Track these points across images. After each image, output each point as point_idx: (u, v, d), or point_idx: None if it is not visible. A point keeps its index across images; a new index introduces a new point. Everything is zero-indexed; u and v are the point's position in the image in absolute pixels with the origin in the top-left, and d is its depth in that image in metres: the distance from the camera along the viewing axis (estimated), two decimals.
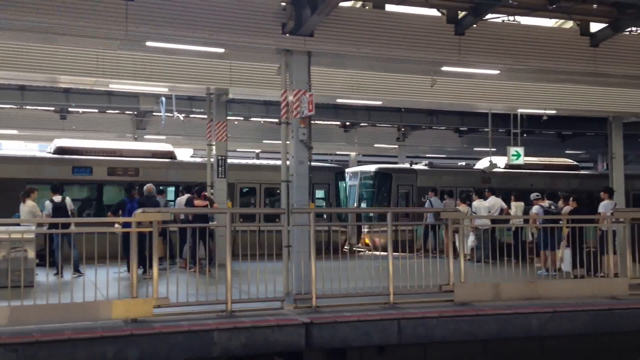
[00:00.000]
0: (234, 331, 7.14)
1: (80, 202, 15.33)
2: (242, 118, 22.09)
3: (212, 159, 14.70)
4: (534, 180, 19.54)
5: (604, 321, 8.68)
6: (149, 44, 10.48)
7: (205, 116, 16.03)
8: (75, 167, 15.09)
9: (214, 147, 14.75)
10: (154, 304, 7.39)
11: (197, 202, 12.31)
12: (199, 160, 17.39)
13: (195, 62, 13.18)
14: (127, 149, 16.36)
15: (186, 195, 13.11)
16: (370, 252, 12.14)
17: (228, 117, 15.41)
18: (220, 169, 14.37)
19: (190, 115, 21.07)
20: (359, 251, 15.49)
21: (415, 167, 19.75)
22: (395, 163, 25.61)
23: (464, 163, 22.04)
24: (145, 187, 12.47)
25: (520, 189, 16.76)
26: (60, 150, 15.67)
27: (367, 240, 15.34)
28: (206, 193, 13.22)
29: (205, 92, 14.83)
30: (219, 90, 14.37)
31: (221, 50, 11.03)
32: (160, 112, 17.81)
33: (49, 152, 16.11)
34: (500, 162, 20.37)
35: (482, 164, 21.41)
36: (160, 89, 14.88)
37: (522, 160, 18.64)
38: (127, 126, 22.92)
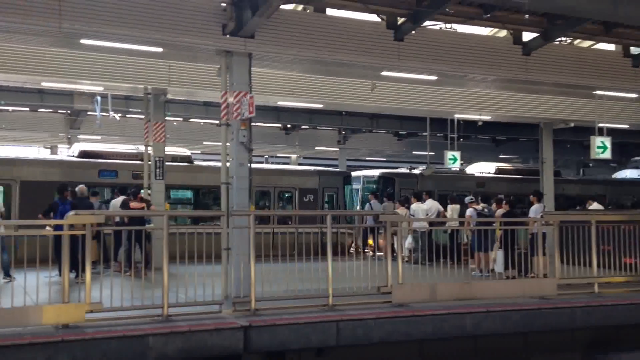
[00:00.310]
0: (170, 336, 7.02)
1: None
2: (181, 119, 21.74)
3: (149, 161, 14.40)
4: (521, 185, 20.53)
5: (534, 320, 9.00)
6: (83, 41, 10.19)
7: (142, 116, 15.69)
8: (102, 170, 15.65)
9: (151, 148, 14.45)
10: (86, 309, 7.17)
11: (132, 204, 12.02)
12: (212, 164, 17.65)
13: (132, 61, 12.87)
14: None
15: (121, 197, 12.79)
16: (373, 254, 12.42)
17: (166, 118, 15.13)
18: (158, 170, 14.10)
19: (127, 115, 20.57)
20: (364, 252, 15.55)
21: (415, 172, 20.42)
22: (336, 166, 25.93)
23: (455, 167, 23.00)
24: (77, 188, 12.06)
25: (511, 193, 18.02)
26: (84, 154, 16.22)
27: (371, 242, 15.44)
28: (142, 195, 12.93)
29: (142, 92, 14.51)
30: (157, 90, 14.10)
31: (160, 49, 10.85)
32: (95, 111, 17.31)
33: (72, 156, 16.62)
34: (491, 167, 22.11)
35: (472, 169, 22.89)
36: (96, 87, 14.45)
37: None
38: (60, 126, 22.16)
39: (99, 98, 16.82)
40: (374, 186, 20.05)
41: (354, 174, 20.75)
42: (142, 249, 8.91)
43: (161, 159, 14.18)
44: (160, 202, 13.86)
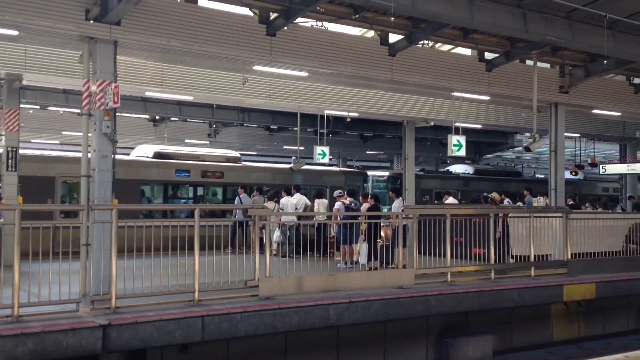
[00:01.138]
0: (20, 337, 6.59)
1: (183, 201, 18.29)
2: (38, 107, 20.33)
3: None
4: (499, 184, 23.94)
5: (392, 309, 9.47)
6: None
7: None
8: (177, 169, 17.63)
9: (3, 138, 13.40)
10: None
11: None
12: (257, 164, 20.26)
13: None
14: (207, 154, 19.03)
15: None
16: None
17: (21, 106, 14.10)
18: (10, 161, 13.11)
19: None
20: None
21: (417, 173, 22.11)
22: None
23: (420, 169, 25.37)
24: None
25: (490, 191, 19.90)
26: (158, 155, 17.92)
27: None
28: None
29: None
30: (10, 75, 13.09)
31: (14, 32, 10.08)
32: None
33: (147, 157, 17.97)
34: (470, 169, 25.95)
35: (455, 169, 27.22)
36: None
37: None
38: None
39: None
40: (384, 184, 23.79)
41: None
42: None
43: (14, 149, 13.20)
44: (13, 195, 12.91)
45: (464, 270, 11.42)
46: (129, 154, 18.62)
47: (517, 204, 18.01)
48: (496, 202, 14.08)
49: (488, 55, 15.38)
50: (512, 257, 12.25)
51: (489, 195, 15.01)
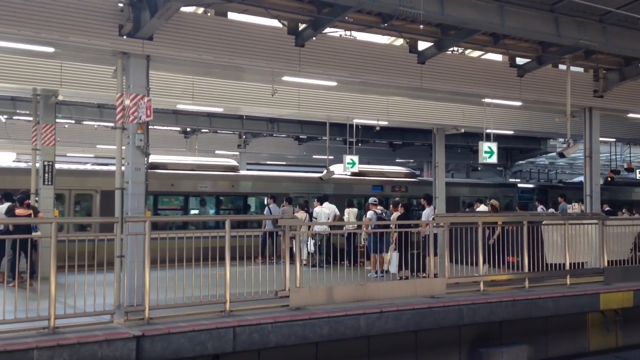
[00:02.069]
0: (56, 348, 6.73)
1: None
2: (73, 121, 20.79)
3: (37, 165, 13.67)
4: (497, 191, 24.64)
5: (424, 318, 9.39)
6: None
7: (30, 118, 14.88)
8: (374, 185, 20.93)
9: (39, 152, 13.73)
10: None
11: (18, 211, 11.39)
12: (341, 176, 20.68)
13: (20, 61, 12.23)
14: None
15: (6, 204, 12.06)
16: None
17: (57, 120, 14.44)
18: (46, 175, 13.42)
19: (14, 118, 19.41)
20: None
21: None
22: None
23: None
24: None
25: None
26: (357, 173, 20.16)
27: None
28: (29, 201, 12.25)
29: (31, 93, 13.77)
30: (47, 91, 13.43)
31: (51, 49, 10.35)
32: None
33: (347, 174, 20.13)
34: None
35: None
36: None
37: None
38: None
39: None
40: (528, 195, 25.66)
41: None
42: (28, 259, 8.47)
43: (50, 163, 13.52)
44: (49, 208, 13.21)
45: (497, 279, 11.26)
46: None
47: (550, 210, 17.70)
48: (496, 210, 13.70)
49: (519, 61, 15.21)
50: (547, 266, 12.03)
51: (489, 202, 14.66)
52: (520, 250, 11.27)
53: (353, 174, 20.21)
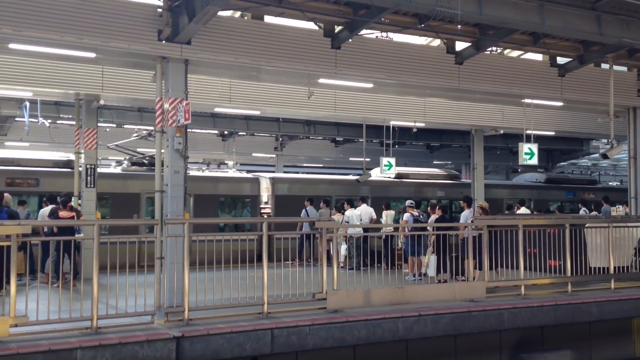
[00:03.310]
0: (99, 349, 6.85)
1: None
2: (114, 125, 21.22)
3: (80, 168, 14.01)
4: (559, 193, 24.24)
5: (463, 322, 9.26)
6: (12, 46, 9.85)
7: (73, 122, 15.25)
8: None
9: (82, 156, 14.05)
10: (10, 323, 6.92)
11: (62, 213, 11.67)
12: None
13: (63, 66, 12.53)
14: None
15: (50, 206, 12.38)
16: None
17: (99, 124, 14.77)
18: (89, 178, 13.72)
19: (57, 122, 19.92)
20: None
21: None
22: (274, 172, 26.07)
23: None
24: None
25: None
26: (398, 175, 20.36)
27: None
28: (72, 204, 12.55)
29: (74, 98, 14.11)
30: (89, 96, 13.74)
31: (92, 55, 10.58)
32: (23, 117, 16.69)
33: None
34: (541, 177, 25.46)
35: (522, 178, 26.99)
36: (25, 93, 13.95)
37: None
38: None
39: (27, 104, 16.27)
40: None
41: None
42: (71, 260, 8.66)
43: (92, 166, 13.82)
44: (91, 210, 13.50)
45: (539, 283, 11.03)
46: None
47: (593, 213, 17.28)
48: (486, 212, 12.94)
49: (560, 60, 14.91)
50: (590, 269, 11.73)
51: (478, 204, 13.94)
52: (562, 253, 11.01)
53: (398, 175, 20.32)
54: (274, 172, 24.46)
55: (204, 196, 16.96)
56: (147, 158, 16.86)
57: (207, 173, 18.71)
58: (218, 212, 17.55)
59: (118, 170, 17.30)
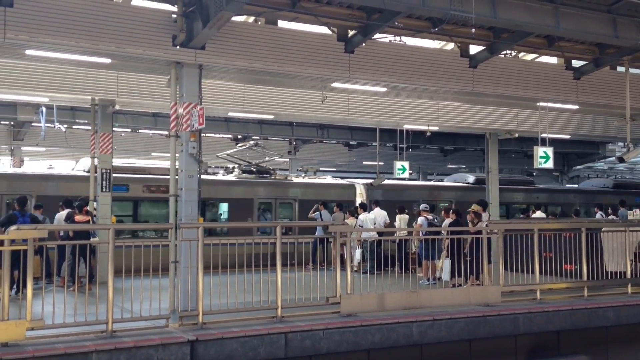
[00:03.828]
0: (114, 352, 6.90)
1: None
2: (129, 130, 21.39)
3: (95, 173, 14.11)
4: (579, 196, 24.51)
5: (478, 327, 9.20)
6: (28, 52, 9.96)
7: (89, 127, 15.39)
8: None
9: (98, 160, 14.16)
10: (27, 326, 6.99)
11: (78, 217, 11.77)
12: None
13: (79, 72, 12.65)
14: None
15: (66, 211, 12.48)
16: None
17: (114, 129, 14.89)
18: (104, 182, 13.83)
19: (73, 127, 20.12)
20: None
21: None
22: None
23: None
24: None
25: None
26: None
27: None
28: (88, 208, 12.65)
29: (89, 103, 14.24)
30: (104, 101, 13.86)
31: (108, 60, 10.67)
32: (40, 122, 16.87)
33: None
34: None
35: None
36: (41, 98, 14.10)
37: None
38: (3, 137, 21.49)
39: (43, 109, 16.45)
40: None
41: None
42: (87, 263, 8.73)
43: (108, 170, 13.92)
44: (107, 215, 13.59)
45: (555, 287, 10.94)
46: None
47: (610, 217, 17.10)
48: (479, 216, 12.28)
49: (576, 63, 14.80)
50: (607, 274, 11.61)
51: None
52: (578, 258, 10.91)
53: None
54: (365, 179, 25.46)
55: (307, 201, 18.11)
56: (256, 166, 18.77)
57: (307, 180, 20.21)
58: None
59: (233, 177, 18.51)
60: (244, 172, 18.72)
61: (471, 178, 23.47)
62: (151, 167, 17.51)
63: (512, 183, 22.73)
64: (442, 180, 26.01)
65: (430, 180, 29.96)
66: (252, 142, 19.66)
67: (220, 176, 18.71)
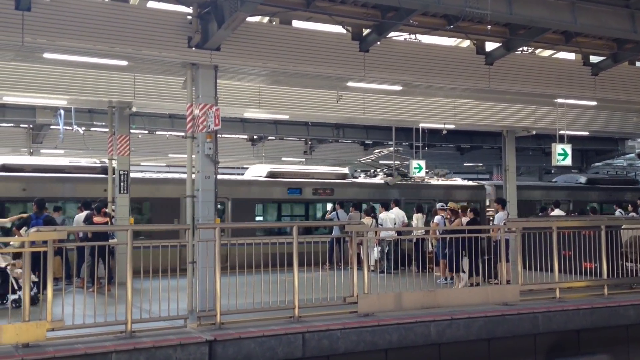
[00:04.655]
0: (133, 352, 6.95)
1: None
2: (146, 131, 21.55)
3: (113, 174, 14.23)
4: (613, 193, 24.09)
5: (497, 326, 9.14)
6: (46, 55, 10.06)
7: (106, 130, 15.52)
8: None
9: (115, 162, 14.28)
10: (47, 327, 7.07)
11: (96, 219, 11.87)
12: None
13: (96, 74, 12.75)
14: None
15: (85, 212, 12.60)
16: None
17: (131, 131, 15.00)
18: (122, 184, 13.94)
19: (91, 129, 20.32)
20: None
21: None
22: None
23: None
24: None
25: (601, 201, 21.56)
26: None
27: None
28: (106, 209, 12.76)
29: (107, 105, 14.37)
30: (121, 103, 13.97)
31: (124, 63, 10.76)
32: (58, 125, 17.06)
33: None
34: (582, 179, 25.18)
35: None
36: (59, 101, 14.25)
37: None
38: (22, 140, 21.78)
39: (62, 112, 16.62)
40: None
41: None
42: (106, 264, 8.81)
43: (125, 172, 14.02)
44: (125, 216, 13.70)
45: (574, 285, 10.83)
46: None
47: (631, 214, 16.88)
48: (456, 214, 12.42)
49: (593, 59, 14.63)
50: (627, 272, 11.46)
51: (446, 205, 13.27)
52: (598, 256, 10.78)
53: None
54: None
55: (444, 201, 18.28)
56: (397, 170, 20.12)
57: (440, 182, 20.94)
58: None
59: (379, 180, 19.94)
60: (388, 175, 20.15)
61: (583, 178, 24.51)
62: (314, 172, 19.56)
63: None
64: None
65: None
66: (391, 149, 20.67)
67: (364, 179, 20.31)
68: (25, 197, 14.50)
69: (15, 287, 8.55)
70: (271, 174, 18.45)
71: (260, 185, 17.99)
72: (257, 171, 19.12)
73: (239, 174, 21.56)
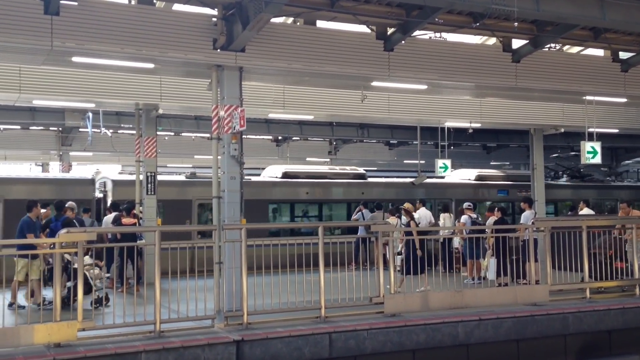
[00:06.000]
0: (162, 352, 7.03)
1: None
2: (172, 133, 21.76)
3: (141, 176, 14.41)
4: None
5: (526, 327, 9.03)
6: (75, 59, 10.22)
7: (134, 132, 15.71)
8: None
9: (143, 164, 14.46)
10: (78, 327, 7.18)
11: (125, 220, 12.02)
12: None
13: (123, 77, 12.91)
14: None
15: (114, 214, 12.77)
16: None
17: (158, 133, 15.16)
18: (149, 185, 14.09)
19: (119, 131, 20.58)
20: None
21: None
22: None
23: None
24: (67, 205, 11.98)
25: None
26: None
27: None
28: (135, 211, 12.92)
29: (134, 108, 14.54)
30: (148, 105, 14.12)
31: (151, 65, 10.88)
32: (86, 128, 17.33)
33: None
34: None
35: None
36: (87, 104, 14.47)
37: None
38: (52, 143, 22.17)
39: (90, 115, 16.87)
40: None
41: None
42: (134, 265, 8.91)
43: (153, 174, 14.18)
44: (152, 217, 13.84)
45: (605, 285, 10.64)
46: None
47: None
48: (410, 214, 12.02)
49: (623, 55, 14.36)
50: None
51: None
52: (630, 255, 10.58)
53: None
54: None
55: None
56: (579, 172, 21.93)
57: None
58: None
59: (564, 182, 21.44)
60: (572, 177, 21.67)
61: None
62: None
63: None
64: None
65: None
66: (571, 153, 22.17)
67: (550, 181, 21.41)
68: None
69: (94, 286, 8.59)
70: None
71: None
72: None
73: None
